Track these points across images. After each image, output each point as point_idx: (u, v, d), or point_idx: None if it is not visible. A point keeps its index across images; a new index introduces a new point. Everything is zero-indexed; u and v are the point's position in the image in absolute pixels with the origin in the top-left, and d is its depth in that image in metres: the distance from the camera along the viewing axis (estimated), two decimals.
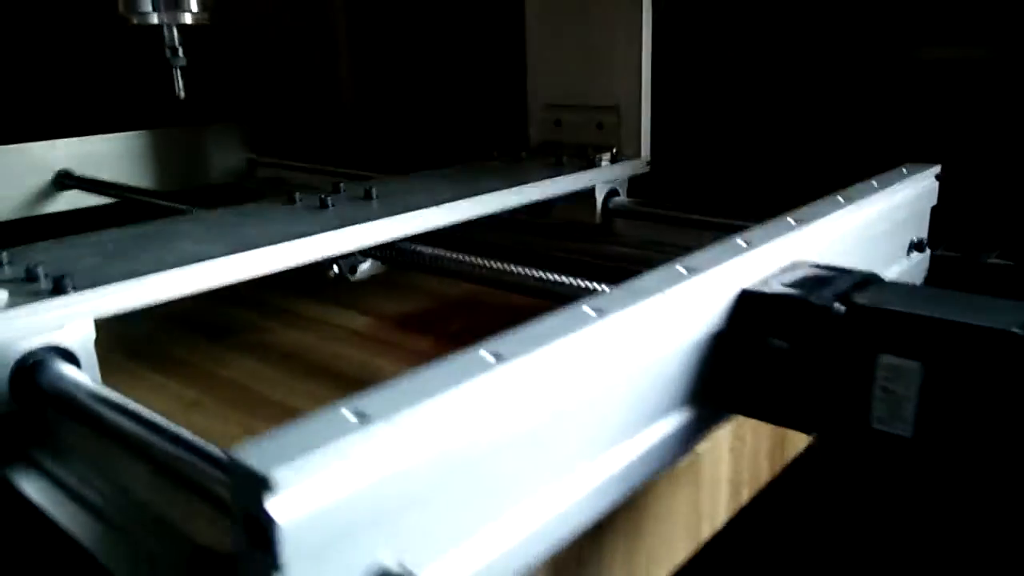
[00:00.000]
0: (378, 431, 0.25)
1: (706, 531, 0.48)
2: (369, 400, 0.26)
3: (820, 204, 0.50)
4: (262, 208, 0.62)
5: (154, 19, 0.56)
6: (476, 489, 0.28)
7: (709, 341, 0.38)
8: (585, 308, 0.33)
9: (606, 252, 0.72)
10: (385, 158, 1.08)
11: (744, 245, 0.41)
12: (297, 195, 0.62)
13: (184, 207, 0.76)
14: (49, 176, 0.97)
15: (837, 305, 0.37)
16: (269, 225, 0.56)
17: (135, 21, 0.56)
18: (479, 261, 0.54)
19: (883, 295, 0.37)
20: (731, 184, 0.81)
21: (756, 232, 0.44)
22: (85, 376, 0.40)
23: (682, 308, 0.36)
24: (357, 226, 0.55)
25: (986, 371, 0.33)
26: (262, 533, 0.23)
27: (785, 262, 0.43)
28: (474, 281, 0.56)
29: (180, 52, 0.58)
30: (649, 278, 0.37)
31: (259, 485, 0.22)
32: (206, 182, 1.09)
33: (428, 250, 0.58)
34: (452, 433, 0.27)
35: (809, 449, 0.57)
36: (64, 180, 0.98)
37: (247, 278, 0.50)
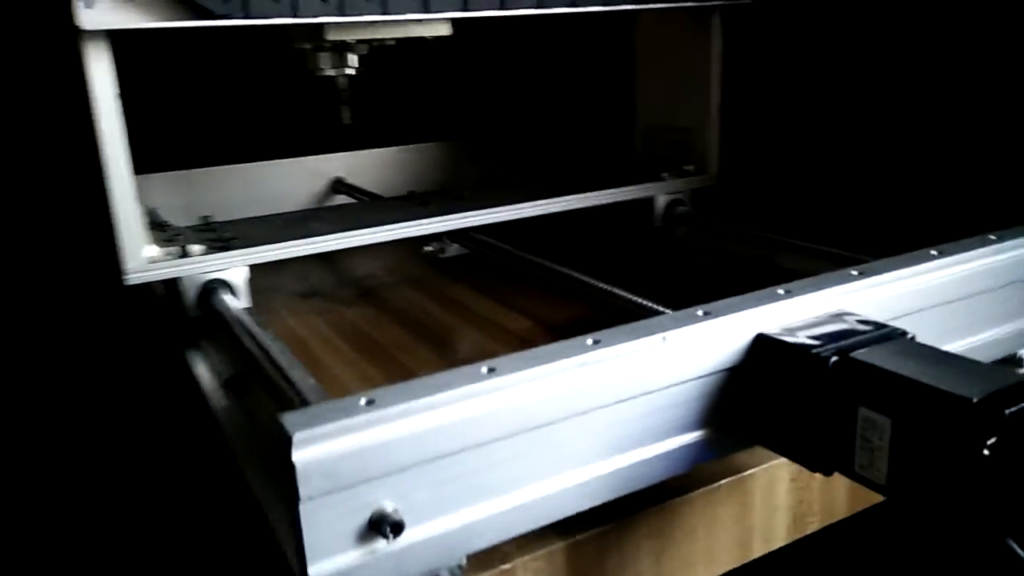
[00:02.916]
0: (379, 413, 0.35)
1: (759, 549, 0.53)
2: (382, 392, 0.36)
3: (903, 257, 0.52)
4: (380, 204, 0.85)
5: (329, 73, 0.73)
6: (465, 468, 0.38)
7: (724, 376, 0.44)
8: (587, 341, 0.41)
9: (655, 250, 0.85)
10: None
11: (781, 293, 0.46)
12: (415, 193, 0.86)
13: None
14: (326, 182, 1.20)
15: (834, 358, 0.41)
16: (377, 215, 0.76)
17: (317, 74, 0.73)
18: (538, 261, 0.63)
19: (880, 351, 0.41)
20: (798, 202, 0.87)
21: (806, 281, 0.48)
22: (234, 300, 0.64)
23: (686, 348, 0.42)
24: (437, 217, 0.75)
25: (944, 431, 0.36)
26: (289, 474, 0.34)
27: (830, 310, 0.47)
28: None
29: (348, 96, 0.75)
30: (662, 319, 0.43)
31: (286, 442, 0.34)
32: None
33: (498, 243, 0.71)
34: (443, 423, 0.37)
35: None
36: (338, 186, 1.20)
37: (345, 246, 0.71)
